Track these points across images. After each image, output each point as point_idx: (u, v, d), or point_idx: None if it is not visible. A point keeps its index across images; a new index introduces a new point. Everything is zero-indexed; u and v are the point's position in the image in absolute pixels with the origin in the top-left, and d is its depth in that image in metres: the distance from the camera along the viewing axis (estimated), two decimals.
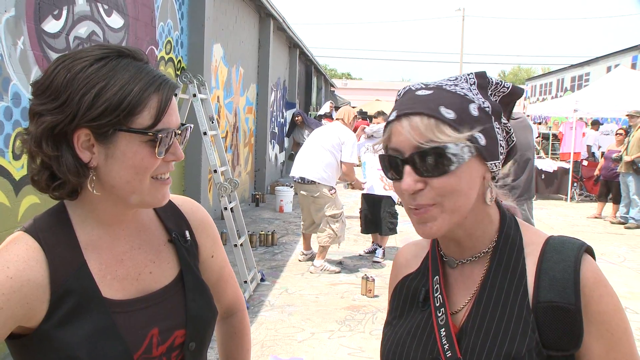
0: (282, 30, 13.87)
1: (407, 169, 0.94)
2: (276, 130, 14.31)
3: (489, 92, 1.03)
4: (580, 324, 0.93)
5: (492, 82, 1.03)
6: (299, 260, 6.69)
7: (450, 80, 1.01)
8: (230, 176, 5.61)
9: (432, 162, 0.93)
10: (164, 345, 1.09)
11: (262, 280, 5.89)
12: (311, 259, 6.61)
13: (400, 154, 0.95)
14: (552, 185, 12.66)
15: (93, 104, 0.95)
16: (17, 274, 0.96)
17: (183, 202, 1.27)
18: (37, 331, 0.99)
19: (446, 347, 0.99)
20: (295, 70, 16.79)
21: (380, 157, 1.00)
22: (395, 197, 6.41)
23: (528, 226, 1.09)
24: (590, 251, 1.01)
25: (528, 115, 20.27)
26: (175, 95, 1.06)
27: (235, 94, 10.35)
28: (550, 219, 10.34)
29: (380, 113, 7.62)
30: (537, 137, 17.96)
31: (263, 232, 7.67)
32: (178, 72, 7.03)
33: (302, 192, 6.32)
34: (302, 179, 6.22)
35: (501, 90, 1.04)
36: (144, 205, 1.09)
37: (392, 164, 0.97)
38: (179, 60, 7.31)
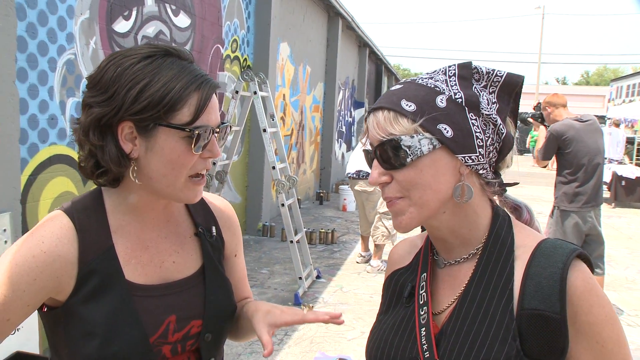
0: (351, 29, 13.88)
1: (375, 162, 0.96)
2: (343, 129, 14.35)
3: (484, 84, 0.98)
4: (565, 334, 0.88)
5: (482, 72, 0.98)
6: (357, 262, 6.67)
7: (427, 74, 1.00)
8: (289, 173, 5.68)
9: (391, 154, 0.93)
10: (180, 332, 1.13)
11: (317, 277, 5.93)
12: (368, 260, 6.59)
13: (371, 148, 0.97)
14: (634, 193, 11.92)
15: (137, 98, 1.01)
16: (50, 249, 1.04)
17: (214, 200, 1.31)
18: (64, 305, 1.06)
19: (425, 347, 0.96)
20: (364, 70, 16.76)
21: (363, 151, 1.01)
22: None
23: (523, 227, 1.03)
24: (584, 257, 0.94)
25: (609, 119, 19.19)
26: (216, 94, 1.10)
27: (302, 92, 10.46)
28: (630, 228, 9.75)
29: None
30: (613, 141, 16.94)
31: (323, 230, 7.72)
32: (243, 69, 7.20)
33: (356, 187, 6.37)
34: (358, 172, 6.27)
35: (495, 80, 0.98)
36: (176, 200, 1.14)
37: (368, 158, 0.99)
38: (245, 59, 7.48)
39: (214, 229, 1.25)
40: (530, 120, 5.20)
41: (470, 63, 0.99)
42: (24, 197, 3.46)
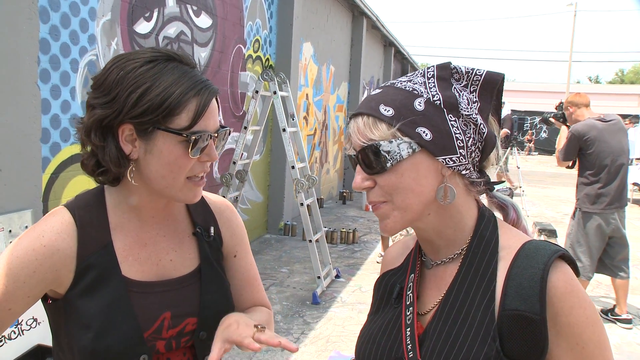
0: (376, 28, 13.83)
1: (358, 168, 0.97)
2: None
3: (465, 84, 0.98)
4: (544, 335, 0.88)
5: (461, 71, 0.98)
6: (377, 262, 6.66)
7: (406, 77, 1.00)
8: (309, 173, 5.70)
9: (372, 159, 0.94)
10: (174, 329, 1.15)
11: (337, 276, 5.93)
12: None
13: (354, 154, 0.98)
14: None
15: (137, 102, 1.04)
16: (49, 243, 1.08)
17: (215, 201, 1.34)
18: (64, 297, 1.10)
19: (409, 347, 0.97)
20: (390, 69, 16.69)
21: (347, 157, 1.02)
22: None
23: (509, 228, 1.03)
24: (567, 259, 0.93)
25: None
26: (217, 99, 1.13)
27: (325, 91, 10.47)
28: None
29: None
30: None
31: (345, 230, 7.72)
32: (265, 69, 7.24)
33: None
34: None
35: (475, 79, 0.98)
36: (176, 200, 1.17)
37: (352, 164, 1.00)
38: (267, 59, 7.52)
39: (212, 229, 1.27)
40: (552, 120, 5.11)
41: (449, 63, 0.99)
42: (45, 195, 3.55)
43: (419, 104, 0.94)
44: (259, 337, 1.05)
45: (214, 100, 1.11)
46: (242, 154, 5.79)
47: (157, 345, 1.13)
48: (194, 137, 1.06)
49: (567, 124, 4.94)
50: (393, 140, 0.92)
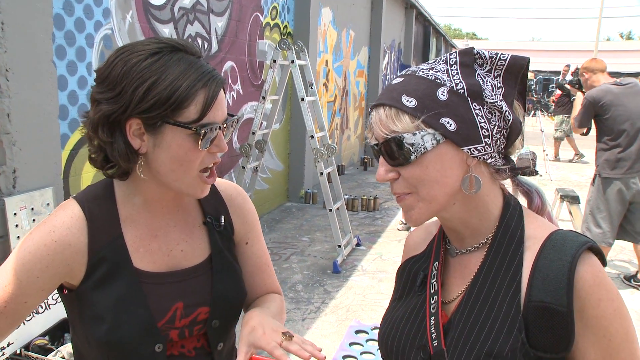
0: None
1: (381, 159, 0.96)
2: None
3: (489, 69, 0.95)
4: (571, 327, 0.87)
5: (485, 56, 0.95)
6: (398, 230, 6.66)
7: (428, 64, 0.97)
8: (328, 142, 5.67)
9: (396, 152, 0.92)
10: (187, 318, 1.17)
11: (357, 245, 5.96)
12: (409, 228, 6.55)
13: (376, 145, 0.96)
14: None
15: (144, 97, 1.02)
16: (61, 238, 1.09)
17: (226, 188, 1.33)
18: (78, 289, 1.12)
19: (434, 336, 0.97)
20: (411, 32, 16.32)
21: (370, 147, 1.00)
22: None
23: (535, 217, 1.01)
24: (595, 250, 0.92)
25: None
26: (224, 89, 1.11)
27: (345, 57, 10.33)
28: None
29: None
30: None
31: (366, 197, 7.71)
32: (284, 37, 7.15)
33: None
34: None
35: (499, 64, 0.95)
36: (184, 194, 1.17)
37: (375, 154, 0.98)
38: (285, 26, 7.42)
39: (222, 218, 1.27)
40: (568, 86, 4.99)
41: (472, 49, 0.96)
42: (66, 172, 3.61)
43: (442, 94, 0.91)
44: (287, 346, 1.05)
45: (221, 90, 1.09)
46: (262, 123, 5.77)
47: (170, 334, 1.14)
48: (203, 130, 1.05)
49: (583, 90, 4.82)
50: (417, 132, 0.90)
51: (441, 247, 1.07)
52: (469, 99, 0.92)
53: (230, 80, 6.07)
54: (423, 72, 0.95)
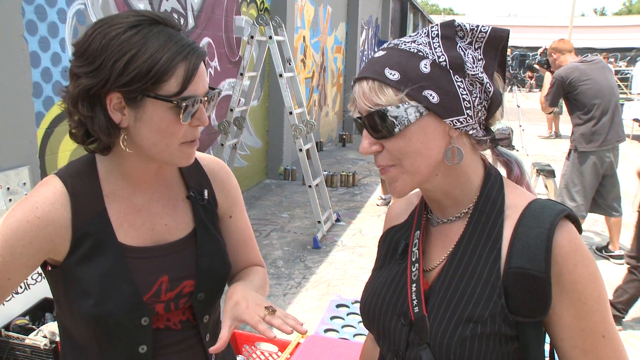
0: None
1: (365, 132, 0.96)
2: None
3: (469, 41, 0.96)
4: (548, 291, 0.90)
5: (466, 29, 0.96)
6: (377, 205, 6.72)
7: (409, 37, 0.97)
8: (307, 118, 5.66)
9: (379, 124, 0.93)
10: (172, 292, 1.17)
11: (337, 220, 6.01)
12: (388, 203, 6.62)
13: (360, 118, 0.97)
14: None
15: (124, 70, 1.01)
16: (43, 214, 1.08)
17: (208, 162, 1.32)
18: (62, 265, 1.12)
19: (415, 302, 0.99)
20: (388, 8, 16.24)
21: (353, 120, 1.01)
22: None
23: (514, 187, 1.04)
24: (572, 218, 0.95)
25: None
26: (204, 61, 1.10)
27: (323, 33, 10.25)
28: None
29: None
30: None
31: (344, 173, 7.75)
32: (261, 13, 7.06)
33: None
34: None
35: (480, 37, 0.96)
36: (170, 165, 1.16)
37: (358, 127, 0.99)
38: (262, 1, 7.32)
39: (206, 192, 1.27)
40: (536, 66, 5.10)
41: (453, 21, 0.97)
42: (42, 151, 3.55)
43: (425, 66, 0.92)
44: (270, 320, 1.06)
45: (202, 63, 1.08)
46: (240, 100, 5.73)
47: (156, 308, 1.15)
48: (184, 103, 1.04)
49: (551, 69, 4.92)
50: (400, 105, 0.91)
51: (422, 217, 1.09)
52: (451, 71, 0.93)
53: (207, 57, 5.98)
54: (405, 45, 0.95)
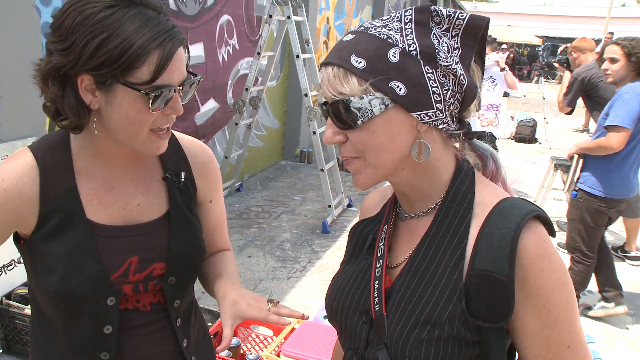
0: None
1: (329, 120, 0.92)
2: None
3: (446, 28, 0.90)
4: (512, 296, 0.85)
5: (442, 14, 0.90)
6: None
7: (382, 20, 0.91)
8: None
9: (343, 114, 0.88)
10: (141, 273, 1.16)
11: (349, 205, 5.97)
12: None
13: (325, 105, 0.92)
14: None
15: (94, 53, 0.98)
16: (10, 187, 1.08)
17: (191, 145, 1.30)
18: (29, 239, 1.12)
19: (376, 300, 0.96)
20: None
21: (319, 105, 0.97)
22: (496, 133, 6.05)
23: (487, 184, 0.98)
24: (542, 219, 0.89)
25: None
26: (184, 47, 1.06)
27: (348, 15, 10.11)
28: None
29: (489, 42, 7.07)
30: None
31: None
32: None
33: None
34: None
35: (457, 24, 0.90)
36: (139, 152, 1.14)
37: (324, 114, 0.94)
38: None
39: (183, 174, 1.24)
40: (556, 65, 4.99)
41: (428, 6, 0.90)
42: (50, 122, 3.56)
43: (393, 55, 0.86)
44: (278, 311, 1.11)
45: (180, 49, 1.04)
46: (257, 79, 5.69)
47: (123, 288, 1.14)
48: (153, 94, 1.01)
49: (571, 69, 4.78)
50: (364, 96, 0.86)
51: (392, 211, 1.05)
52: (421, 61, 0.87)
53: (226, 35, 5.95)
54: (375, 29, 0.89)
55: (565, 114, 4.86)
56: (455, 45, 0.90)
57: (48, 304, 1.14)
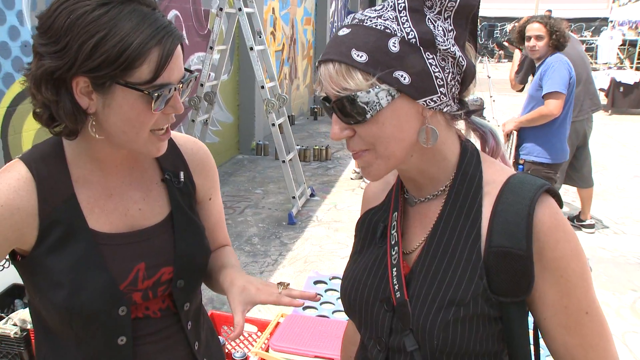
0: None
1: (334, 117, 0.91)
2: None
3: (438, 11, 0.90)
4: (531, 270, 0.88)
5: None
6: (351, 179, 6.70)
7: (374, 12, 0.90)
8: (279, 92, 5.57)
9: (349, 110, 0.88)
10: (150, 280, 1.12)
11: (312, 195, 5.98)
12: (362, 177, 6.60)
13: (327, 101, 0.91)
14: (631, 99, 11.76)
15: (91, 54, 0.92)
16: (7, 202, 1.01)
17: (185, 142, 1.26)
18: (30, 255, 1.06)
19: (396, 287, 0.96)
20: None
21: (321, 102, 0.95)
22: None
23: (492, 162, 1.00)
24: (552, 192, 0.92)
25: (611, 21, 18.62)
26: (182, 44, 1.02)
27: (292, 5, 10.06)
28: (625, 135, 9.73)
29: None
30: (620, 45, 16.65)
31: (317, 147, 7.70)
32: None
33: None
34: None
35: (449, 5, 0.90)
36: (139, 154, 1.11)
37: (327, 111, 0.94)
38: None
39: (182, 174, 1.21)
40: (506, 44, 5.17)
41: None
42: (4, 131, 3.40)
43: (394, 45, 0.86)
44: (290, 293, 1.09)
45: (178, 46, 1.00)
46: (210, 74, 5.59)
47: (133, 297, 1.11)
48: (156, 93, 0.97)
49: (520, 47, 4.94)
50: (371, 89, 0.86)
51: (400, 197, 1.06)
52: (421, 48, 0.87)
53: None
54: (371, 21, 0.89)
55: (517, 91, 5.03)
56: (450, 28, 0.91)
57: (56, 321, 1.09)
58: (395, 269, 0.98)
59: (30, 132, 3.63)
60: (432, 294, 0.92)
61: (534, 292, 0.90)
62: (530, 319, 0.95)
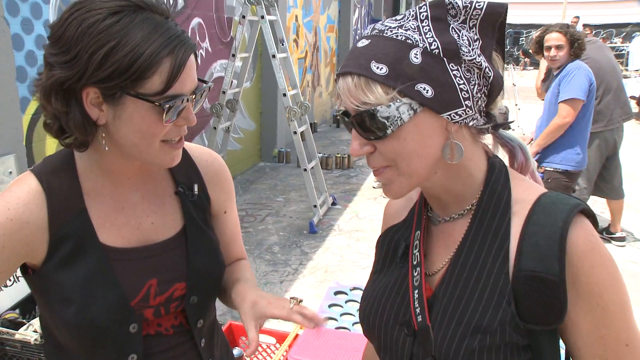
0: None
1: (354, 132, 0.87)
2: None
3: (463, 20, 0.85)
4: (563, 296, 0.82)
5: (458, 6, 0.85)
6: (373, 187, 6.64)
7: (395, 22, 0.86)
8: (301, 99, 5.54)
9: (369, 125, 0.83)
10: (162, 296, 1.09)
11: (333, 204, 5.93)
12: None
13: (346, 116, 0.87)
14: None
15: (101, 64, 0.90)
16: (17, 216, 0.99)
17: (200, 154, 1.23)
18: (40, 270, 1.04)
19: (417, 310, 0.91)
20: None
21: (340, 117, 0.91)
22: None
23: (522, 179, 0.94)
24: (587, 213, 0.86)
25: None
26: (195, 54, 1.00)
27: (315, 12, 10.06)
28: None
29: None
30: None
31: (339, 155, 7.66)
32: None
33: None
34: None
35: (474, 14, 0.85)
36: (152, 165, 1.08)
37: (346, 126, 0.89)
38: None
39: (196, 186, 1.18)
40: (531, 52, 5.05)
41: (442, 1, 0.85)
42: (28, 138, 3.43)
43: (415, 56, 0.81)
44: (301, 310, 1.03)
45: (191, 56, 0.97)
46: (232, 82, 5.60)
47: (145, 313, 1.07)
48: (167, 105, 0.94)
49: (537, 57, 4.86)
50: (391, 103, 0.81)
51: (423, 215, 1.00)
52: (445, 59, 0.82)
53: (198, 38, 5.84)
54: (392, 31, 0.84)
55: (543, 99, 4.92)
56: (475, 37, 0.86)
57: (66, 337, 1.06)
58: (417, 291, 0.93)
59: (54, 139, 3.66)
60: (456, 320, 0.87)
61: (567, 320, 0.84)
62: (562, 347, 0.89)
